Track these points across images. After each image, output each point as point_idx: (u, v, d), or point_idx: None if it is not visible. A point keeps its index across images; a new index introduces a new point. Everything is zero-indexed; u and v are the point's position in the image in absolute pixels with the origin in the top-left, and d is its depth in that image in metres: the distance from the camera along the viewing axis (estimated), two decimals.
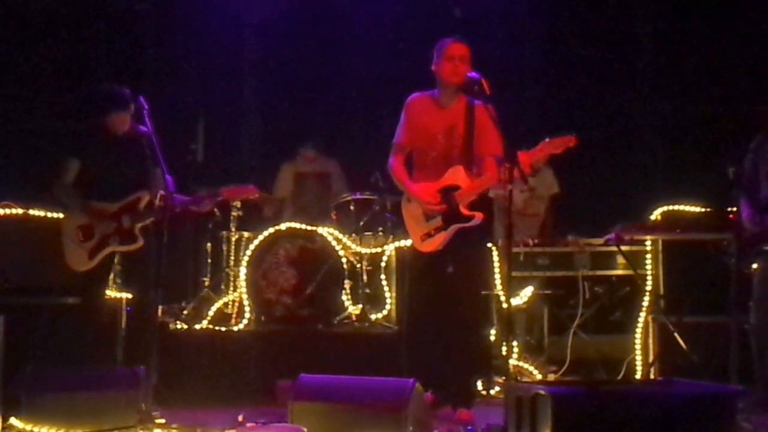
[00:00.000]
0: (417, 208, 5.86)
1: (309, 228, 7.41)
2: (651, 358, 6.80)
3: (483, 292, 6.37)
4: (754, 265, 6.09)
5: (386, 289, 7.41)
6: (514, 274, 6.71)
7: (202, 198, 6.18)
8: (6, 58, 8.18)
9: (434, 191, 5.80)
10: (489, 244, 6.83)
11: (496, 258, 6.93)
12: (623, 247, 7.00)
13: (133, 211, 5.95)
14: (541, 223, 8.12)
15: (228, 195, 6.29)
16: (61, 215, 6.45)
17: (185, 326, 7.22)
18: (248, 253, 7.33)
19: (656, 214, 6.99)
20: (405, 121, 5.96)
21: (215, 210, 7.95)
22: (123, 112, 6.01)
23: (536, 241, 7.39)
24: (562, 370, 7.01)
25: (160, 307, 5.86)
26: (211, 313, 7.45)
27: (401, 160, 5.96)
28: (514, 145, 5.41)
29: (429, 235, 5.81)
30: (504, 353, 6.15)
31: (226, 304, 7.57)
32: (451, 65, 5.78)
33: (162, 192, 5.62)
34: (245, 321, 7.26)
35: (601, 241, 7.17)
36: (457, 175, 5.78)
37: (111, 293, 6.53)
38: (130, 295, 6.33)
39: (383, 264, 7.46)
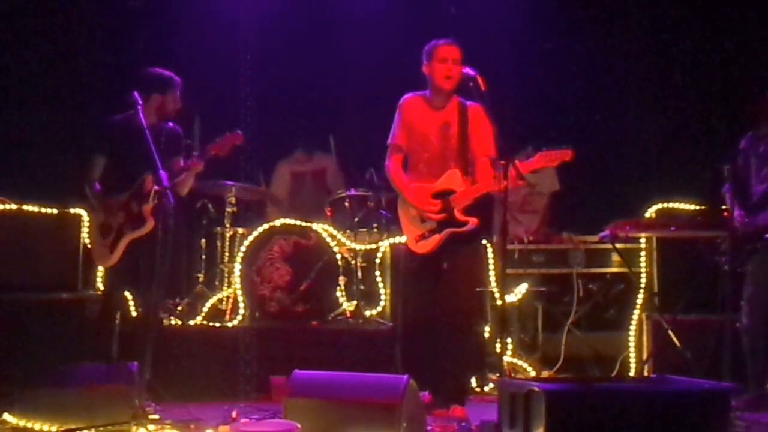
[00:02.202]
0: (412, 210, 5.86)
1: (303, 224, 7.41)
2: (645, 356, 6.81)
3: (477, 289, 6.38)
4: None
5: (380, 285, 7.41)
6: (508, 271, 6.72)
7: (192, 163, 6.12)
8: None
9: (429, 195, 5.79)
10: (484, 241, 6.83)
11: (491, 255, 6.93)
12: (618, 245, 7.01)
13: (139, 194, 5.95)
14: (540, 220, 8.12)
15: (216, 149, 6.12)
16: (55, 211, 6.47)
17: (179, 322, 7.22)
18: (242, 249, 7.33)
19: (651, 212, 7.00)
20: (399, 122, 5.94)
21: (209, 206, 7.97)
22: (176, 91, 6.15)
23: (531, 238, 7.40)
24: (556, 367, 7.02)
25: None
26: (205, 309, 7.44)
27: (399, 161, 5.94)
28: (509, 145, 5.41)
29: (423, 237, 5.81)
30: (498, 350, 6.17)
31: (220, 300, 7.56)
32: (444, 68, 5.77)
33: (156, 188, 5.62)
34: (239, 317, 7.25)
35: (595, 238, 7.18)
36: (452, 179, 5.77)
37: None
38: (127, 292, 6.36)
39: (378, 260, 7.45)
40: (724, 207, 6.14)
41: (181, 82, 6.22)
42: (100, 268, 6.65)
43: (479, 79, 5.56)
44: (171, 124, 6.21)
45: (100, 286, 6.70)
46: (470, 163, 5.82)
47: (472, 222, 5.73)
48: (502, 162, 5.34)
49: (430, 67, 5.83)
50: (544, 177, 8.05)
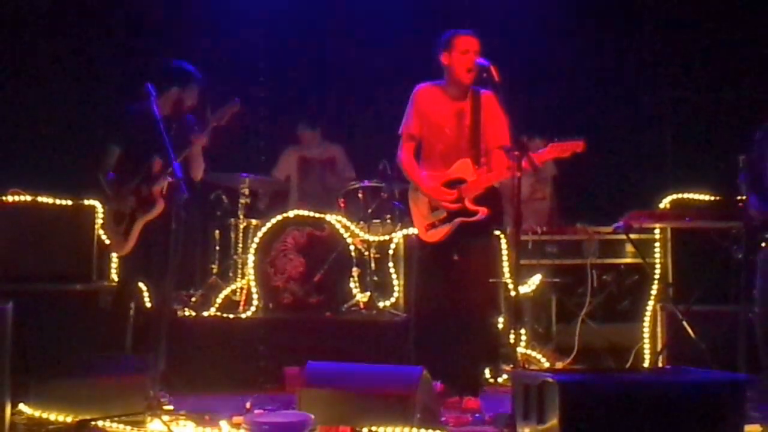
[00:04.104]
0: (423, 199, 5.85)
1: (317, 215, 7.41)
2: (659, 347, 6.79)
3: (490, 280, 6.37)
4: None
5: (394, 276, 7.41)
6: (522, 262, 6.71)
7: (195, 138, 6.06)
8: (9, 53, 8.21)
9: (440, 184, 5.77)
10: (497, 232, 6.82)
11: (504, 246, 6.92)
12: (632, 235, 6.98)
13: (148, 177, 5.93)
14: (550, 208, 8.08)
15: (216, 120, 6.02)
16: (69, 202, 6.48)
17: (193, 313, 7.23)
18: (256, 240, 7.34)
19: (665, 203, 6.98)
20: (413, 111, 5.89)
21: (223, 197, 7.98)
22: (195, 88, 6.08)
23: (544, 229, 7.38)
24: (570, 359, 7.00)
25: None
26: (219, 300, 7.46)
27: (411, 151, 5.90)
28: (523, 134, 5.39)
29: (433, 226, 5.80)
30: (512, 341, 6.16)
31: (234, 291, 7.58)
32: (465, 60, 5.68)
33: (170, 179, 5.62)
34: (253, 308, 7.26)
35: (609, 229, 7.14)
36: (464, 169, 5.75)
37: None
38: (141, 283, 6.38)
39: (391, 252, 7.46)
40: (739, 198, 6.11)
41: (202, 80, 6.15)
42: (115, 259, 6.67)
43: (493, 70, 5.53)
44: (192, 117, 6.20)
45: (115, 277, 6.72)
46: (483, 153, 5.80)
47: (483, 212, 5.71)
48: (516, 153, 5.32)
49: (450, 57, 5.75)
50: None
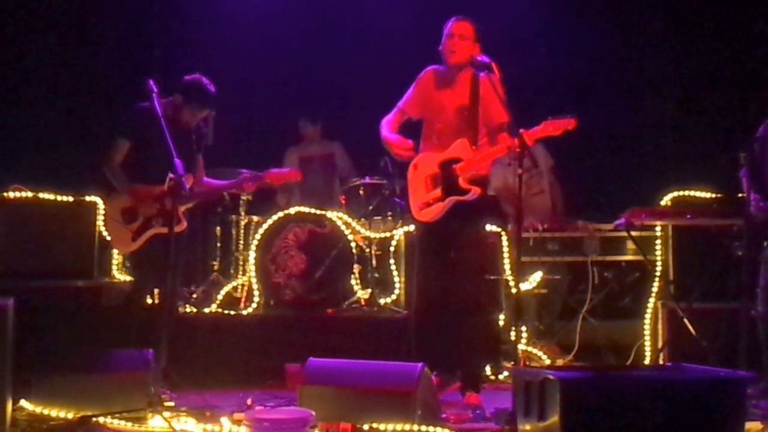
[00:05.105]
0: (420, 178, 5.91)
1: (318, 212, 7.42)
2: (660, 344, 6.79)
3: (492, 278, 6.37)
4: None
5: (395, 273, 7.42)
6: (523, 259, 6.70)
7: (245, 180, 6.35)
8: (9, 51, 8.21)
9: (437, 163, 5.84)
10: (498, 228, 6.82)
11: (505, 243, 6.92)
12: (633, 233, 6.99)
13: (177, 194, 5.92)
14: (552, 201, 8.05)
15: (270, 178, 6.37)
16: (71, 199, 6.48)
17: (194, 310, 7.24)
18: (257, 237, 7.35)
19: (666, 200, 6.96)
20: (412, 92, 6.06)
21: (224, 194, 7.97)
22: (200, 109, 6.13)
23: (545, 226, 7.37)
24: (571, 356, 7.00)
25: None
26: (220, 296, 7.48)
27: (394, 121, 6.05)
28: (520, 124, 5.42)
29: (428, 205, 5.86)
30: (513, 338, 6.17)
31: (235, 288, 7.59)
32: (449, 43, 5.89)
33: (171, 175, 5.61)
34: (254, 305, 7.27)
35: (611, 226, 7.14)
36: (460, 148, 5.82)
37: (120, 276, 6.59)
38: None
39: (392, 248, 7.46)
40: (741, 194, 6.10)
41: (213, 102, 6.21)
42: (116, 256, 6.66)
43: (494, 67, 5.59)
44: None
45: (116, 273, 6.71)
46: (488, 133, 5.84)
47: (475, 191, 5.76)
48: (519, 151, 5.33)
49: (442, 43, 5.95)
50: (538, 156, 7.89)
